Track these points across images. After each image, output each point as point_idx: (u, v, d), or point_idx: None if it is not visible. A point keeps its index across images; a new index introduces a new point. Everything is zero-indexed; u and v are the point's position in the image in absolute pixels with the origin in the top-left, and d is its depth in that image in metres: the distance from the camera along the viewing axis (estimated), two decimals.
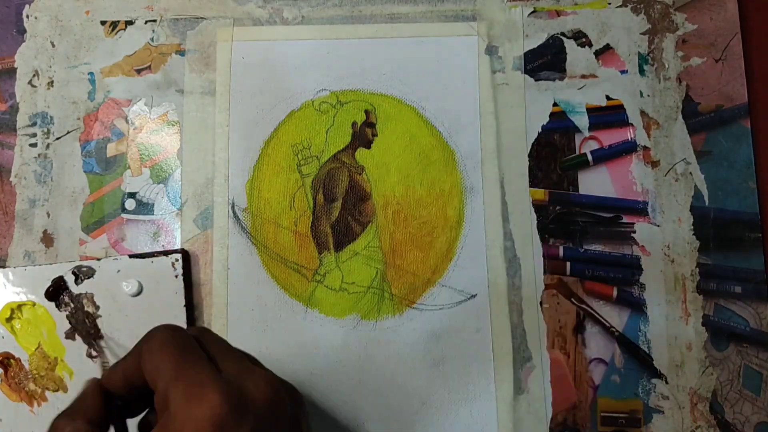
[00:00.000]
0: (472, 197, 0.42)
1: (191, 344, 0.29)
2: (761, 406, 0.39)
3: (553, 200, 0.42)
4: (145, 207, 0.42)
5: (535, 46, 0.43)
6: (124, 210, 0.42)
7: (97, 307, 0.40)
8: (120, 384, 0.30)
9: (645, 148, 0.42)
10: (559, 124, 0.43)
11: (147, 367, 0.28)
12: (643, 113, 0.42)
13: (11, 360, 0.40)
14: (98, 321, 0.40)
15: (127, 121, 0.43)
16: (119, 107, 0.43)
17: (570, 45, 0.43)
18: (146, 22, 0.44)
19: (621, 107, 0.43)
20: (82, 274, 0.40)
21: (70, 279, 0.40)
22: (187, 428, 0.25)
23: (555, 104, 0.43)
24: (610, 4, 0.44)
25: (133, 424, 0.31)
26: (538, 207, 0.42)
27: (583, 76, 0.43)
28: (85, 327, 0.40)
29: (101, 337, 0.40)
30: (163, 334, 0.29)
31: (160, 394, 0.27)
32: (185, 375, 0.27)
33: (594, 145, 0.42)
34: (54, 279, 0.40)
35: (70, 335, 0.40)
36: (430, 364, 0.40)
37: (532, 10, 0.44)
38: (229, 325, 0.41)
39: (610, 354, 0.40)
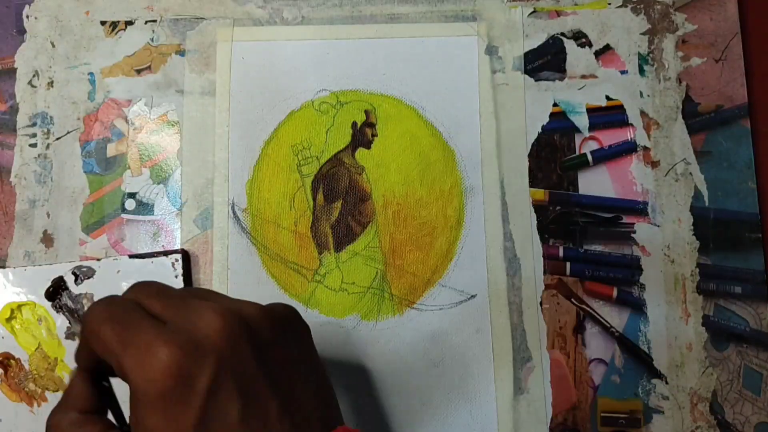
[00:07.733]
0: (472, 197, 0.42)
1: (128, 310, 0.27)
2: (761, 406, 0.39)
3: (553, 200, 0.42)
4: (145, 207, 0.42)
5: (535, 46, 0.43)
6: (124, 210, 0.42)
7: None
8: (91, 365, 0.29)
9: (645, 148, 0.42)
10: (559, 125, 0.43)
11: (97, 349, 0.27)
12: (643, 113, 0.42)
13: (11, 360, 0.40)
14: None
15: (127, 122, 0.43)
16: (119, 107, 0.43)
17: (570, 45, 0.43)
18: (146, 23, 0.44)
19: (621, 107, 0.43)
20: (81, 274, 0.40)
21: (69, 279, 0.40)
22: (150, 392, 0.25)
23: (555, 104, 0.43)
24: (610, 4, 0.44)
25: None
26: (538, 207, 0.42)
27: (583, 77, 0.43)
28: None
29: None
30: (97, 313, 0.27)
31: (117, 370, 0.26)
32: (131, 343, 0.26)
33: (594, 146, 0.42)
34: (54, 279, 0.40)
35: (70, 335, 0.40)
36: (430, 364, 0.40)
37: (532, 10, 0.44)
38: None
39: (610, 354, 0.40)
